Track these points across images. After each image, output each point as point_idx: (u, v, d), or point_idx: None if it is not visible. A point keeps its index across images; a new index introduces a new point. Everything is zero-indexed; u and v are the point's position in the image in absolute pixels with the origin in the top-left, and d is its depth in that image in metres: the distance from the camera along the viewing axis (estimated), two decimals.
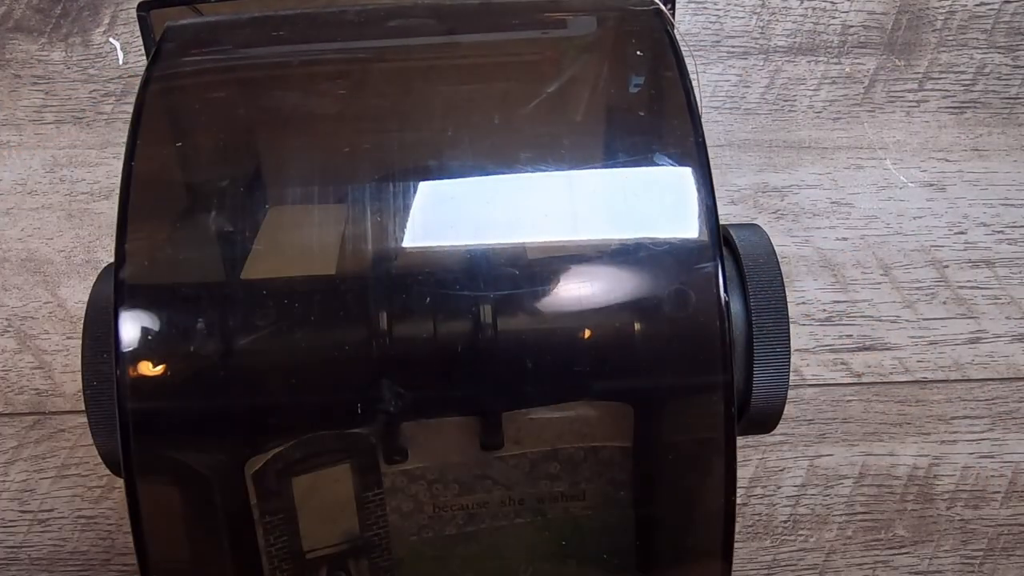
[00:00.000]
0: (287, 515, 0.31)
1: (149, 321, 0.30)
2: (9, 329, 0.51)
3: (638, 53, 0.35)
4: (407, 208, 0.31)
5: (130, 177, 0.32)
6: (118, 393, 0.30)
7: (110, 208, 0.52)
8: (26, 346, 0.51)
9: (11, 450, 0.51)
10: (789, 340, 0.34)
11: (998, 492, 0.53)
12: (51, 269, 0.52)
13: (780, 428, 0.52)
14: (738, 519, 0.52)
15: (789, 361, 0.35)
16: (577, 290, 0.30)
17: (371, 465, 0.31)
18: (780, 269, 0.35)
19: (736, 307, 0.34)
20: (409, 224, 0.31)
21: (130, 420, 0.30)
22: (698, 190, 0.31)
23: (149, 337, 0.30)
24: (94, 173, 0.52)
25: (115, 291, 0.30)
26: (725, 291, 0.30)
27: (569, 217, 0.31)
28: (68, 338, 0.51)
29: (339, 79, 0.35)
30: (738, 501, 0.51)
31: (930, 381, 0.53)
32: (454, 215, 0.31)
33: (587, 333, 0.30)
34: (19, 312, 0.51)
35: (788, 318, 0.34)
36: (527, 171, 0.32)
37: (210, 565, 0.32)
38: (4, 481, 0.51)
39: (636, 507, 0.32)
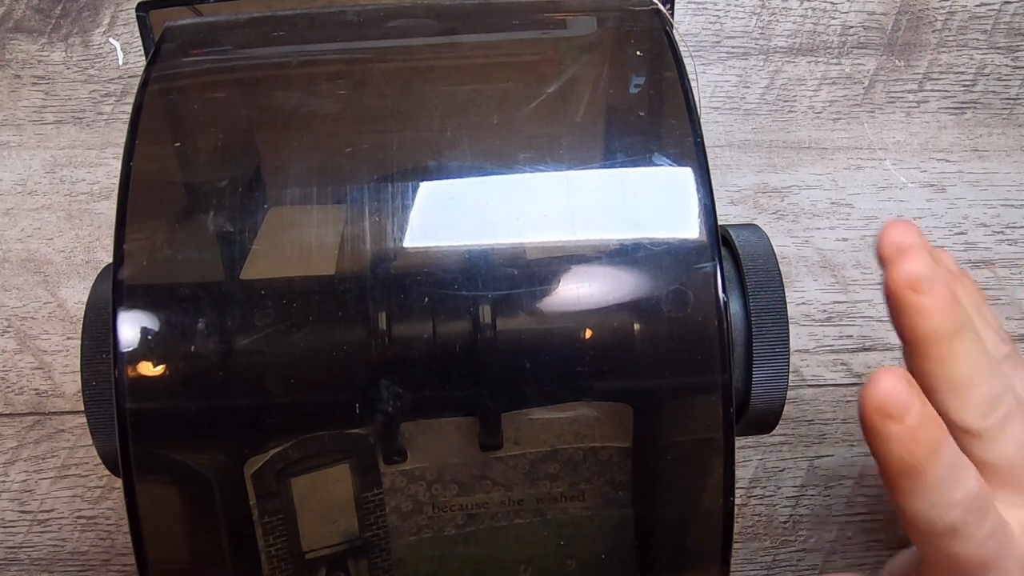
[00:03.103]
0: (286, 515, 0.31)
1: (148, 321, 0.30)
2: (9, 329, 0.51)
3: (637, 53, 0.35)
4: (406, 208, 0.31)
5: (129, 178, 0.32)
6: (116, 393, 0.30)
7: (110, 208, 0.52)
8: (26, 346, 0.51)
9: (11, 450, 0.51)
10: (788, 340, 0.34)
11: None
12: (51, 269, 0.52)
13: (780, 428, 0.52)
14: (738, 520, 0.52)
15: (788, 361, 0.35)
16: (576, 290, 0.30)
17: (370, 465, 0.31)
18: (779, 269, 0.35)
19: (735, 307, 0.34)
20: (408, 224, 0.31)
21: (128, 420, 0.30)
22: (697, 190, 0.31)
23: (148, 337, 0.30)
24: (94, 173, 0.52)
25: (113, 291, 0.30)
26: (724, 291, 0.30)
27: (568, 217, 0.31)
28: (68, 338, 0.51)
29: (338, 79, 0.35)
30: (738, 502, 0.51)
31: None
32: (453, 215, 0.31)
33: (586, 333, 0.30)
34: (19, 312, 0.51)
35: (787, 318, 0.34)
36: (526, 171, 0.32)
37: (209, 565, 0.32)
38: (4, 481, 0.51)
39: (635, 508, 0.32)
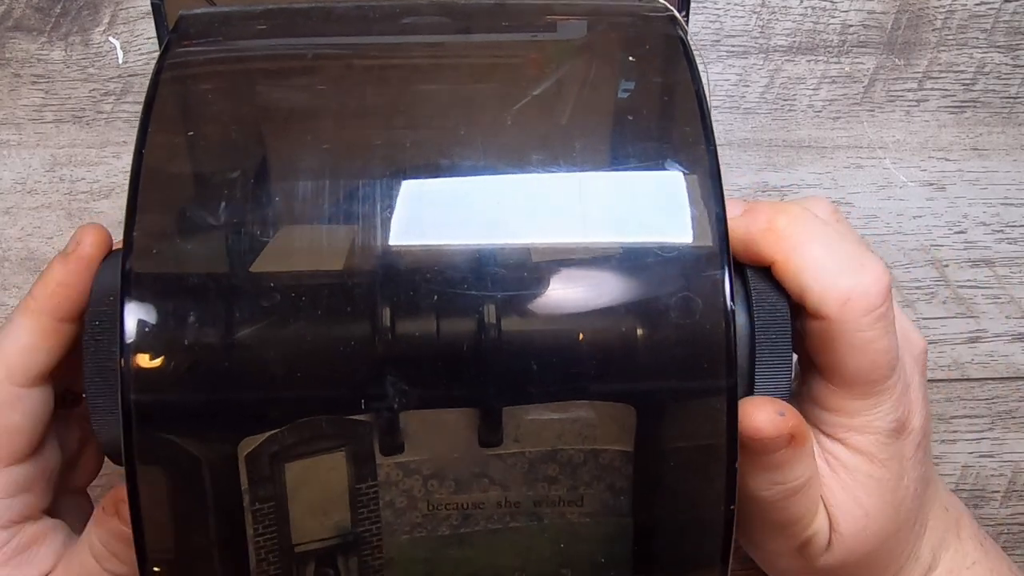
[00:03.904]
0: (278, 503, 0.31)
1: (155, 311, 0.30)
2: None
3: (651, 58, 0.35)
4: (415, 205, 0.31)
5: (140, 166, 0.31)
6: (122, 383, 0.30)
7: (110, 207, 0.52)
8: None
9: None
10: (791, 347, 0.34)
11: (998, 492, 0.53)
12: None
13: None
14: None
15: (791, 367, 0.34)
16: (583, 293, 0.30)
17: (367, 455, 0.31)
18: None
19: (739, 313, 0.34)
20: (417, 221, 0.31)
21: (134, 410, 0.30)
22: (708, 198, 0.31)
23: (155, 327, 0.30)
24: (94, 172, 0.52)
25: (122, 280, 0.30)
26: (732, 299, 0.30)
27: (577, 220, 0.31)
28: None
29: (352, 74, 0.35)
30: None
31: (930, 380, 0.53)
32: (462, 214, 0.31)
33: (591, 336, 0.30)
34: None
35: (790, 324, 0.34)
36: (537, 172, 0.32)
37: (207, 555, 0.32)
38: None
39: (635, 511, 0.32)
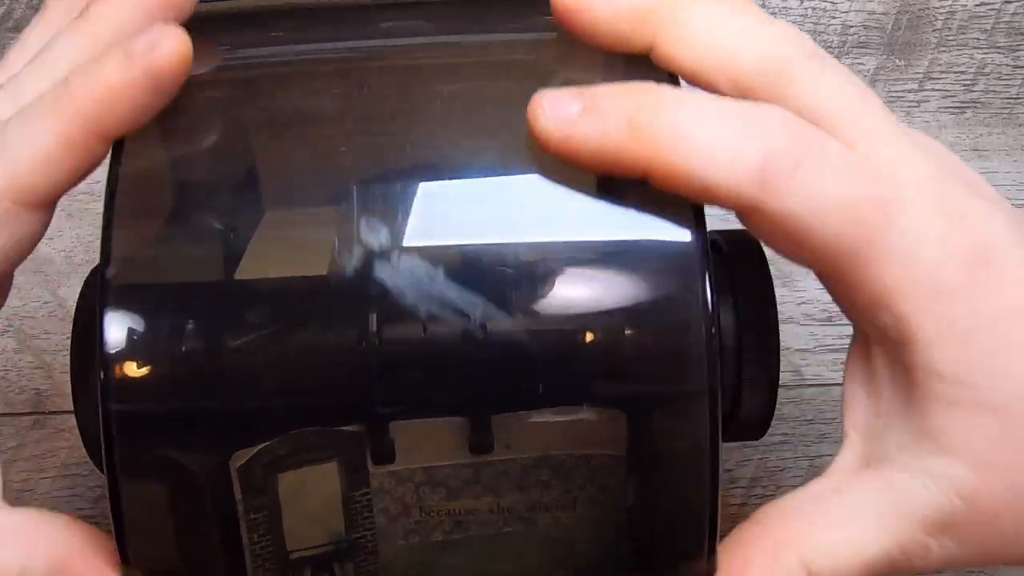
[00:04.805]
0: (272, 512, 0.31)
1: (134, 321, 0.30)
2: (9, 329, 0.51)
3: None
4: (396, 210, 0.31)
5: (116, 177, 0.31)
6: (102, 394, 0.30)
7: None
8: (26, 346, 0.51)
9: (11, 450, 0.51)
10: (778, 345, 0.34)
11: None
12: (51, 269, 0.52)
13: (780, 428, 0.51)
14: (738, 519, 0.51)
15: (778, 366, 0.35)
16: (562, 296, 0.30)
17: (358, 464, 0.31)
18: (769, 272, 0.35)
19: (725, 314, 0.34)
20: (398, 226, 0.31)
21: (114, 421, 0.30)
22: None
23: (135, 337, 0.30)
24: (94, 173, 0.52)
25: (100, 291, 0.30)
26: (713, 298, 0.30)
27: (556, 221, 0.31)
28: (68, 338, 0.51)
29: (329, 78, 0.35)
30: (737, 501, 0.51)
31: None
32: (442, 218, 0.31)
33: (572, 339, 0.30)
34: (19, 312, 0.52)
35: (777, 322, 0.34)
36: (515, 174, 0.32)
37: (194, 562, 0.32)
38: (4, 481, 0.51)
39: (628, 515, 0.32)
